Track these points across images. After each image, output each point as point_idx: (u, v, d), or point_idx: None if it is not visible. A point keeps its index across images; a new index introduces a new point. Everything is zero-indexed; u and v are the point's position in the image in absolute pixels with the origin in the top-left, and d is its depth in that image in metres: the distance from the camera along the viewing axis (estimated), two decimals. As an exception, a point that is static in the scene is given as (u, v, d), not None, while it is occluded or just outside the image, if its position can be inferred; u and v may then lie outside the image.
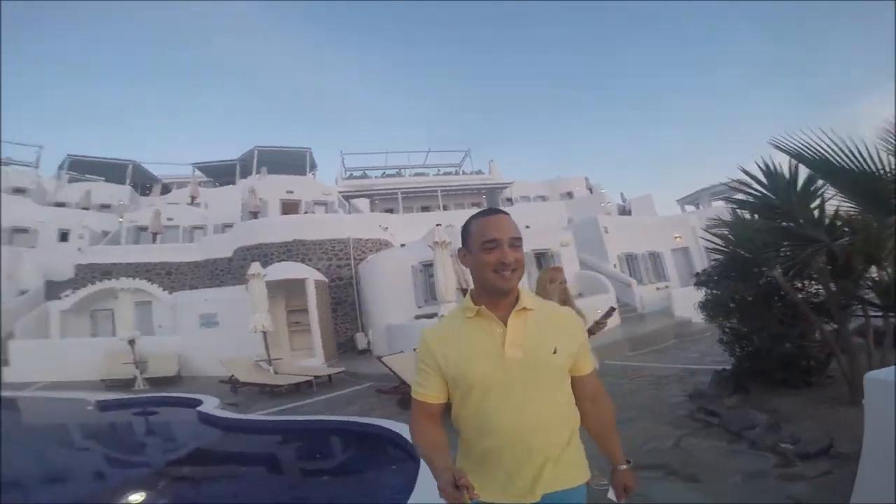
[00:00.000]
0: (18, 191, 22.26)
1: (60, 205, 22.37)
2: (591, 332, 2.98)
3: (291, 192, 21.22)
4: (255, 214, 18.89)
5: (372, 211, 24.30)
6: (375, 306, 13.69)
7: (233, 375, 8.56)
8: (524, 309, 1.16)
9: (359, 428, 4.77)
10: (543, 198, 29.65)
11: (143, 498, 3.77)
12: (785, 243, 3.79)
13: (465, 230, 1.22)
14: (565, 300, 2.99)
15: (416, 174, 32.01)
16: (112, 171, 27.71)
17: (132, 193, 26.06)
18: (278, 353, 11.27)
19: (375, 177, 31.00)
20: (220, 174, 28.66)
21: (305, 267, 13.91)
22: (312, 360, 11.41)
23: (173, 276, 16.74)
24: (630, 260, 15.72)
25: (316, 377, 8.39)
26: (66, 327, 12.97)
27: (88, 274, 15.90)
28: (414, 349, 7.21)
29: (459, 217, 22.45)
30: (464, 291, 12.37)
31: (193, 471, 4.57)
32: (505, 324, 1.15)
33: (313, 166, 29.17)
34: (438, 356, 1.16)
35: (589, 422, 1.28)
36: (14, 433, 6.73)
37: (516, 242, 1.15)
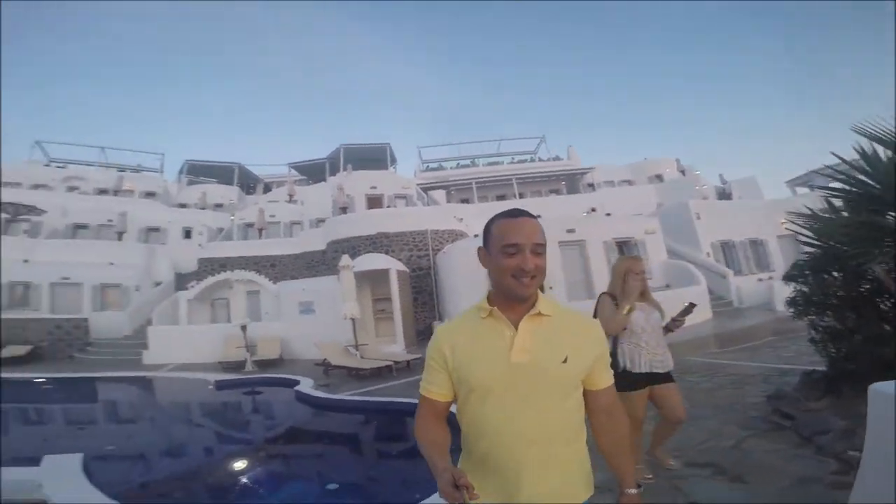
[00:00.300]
0: (149, 194, 26.06)
1: (182, 206, 25.80)
2: (667, 329, 2.89)
3: (375, 188, 22.45)
4: (343, 210, 20.36)
5: (448, 202, 24.86)
6: (451, 296, 14.15)
7: (325, 359, 9.47)
8: (539, 314, 1.13)
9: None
10: (629, 182, 28.03)
11: (242, 470, 4.24)
12: (887, 240, 3.39)
13: (487, 230, 1.18)
14: (644, 292, 2.84)
15: (490, 163, 31.98)
16: (222, 173, 31.35)
17: (240, 193, 29.19)
18: (365, 338, 12.13)
19: (451, 168, 31.51)
20: (313, 172, 31.03)
21: (389, 258, 14.74)
22: (394, 347, 12.13)
23: (277, 268, 18.68)
24: (727, 248, 14.46)
25: (396, 362, 9.00)
26: (192, 314, 14.90)
27: (208, 267, 18.33)
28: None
29: (536, 205, 22.13)
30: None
31: (287, 447, 5.17)
32: (516, 327, 1.12)
33: (393, 160, 30.44)
34: (447, 354, 1.15)
35: (601, 437, 1.23)
36: (148, 410, 8.04)
37: (539, 249, 1.11)
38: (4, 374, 9.75)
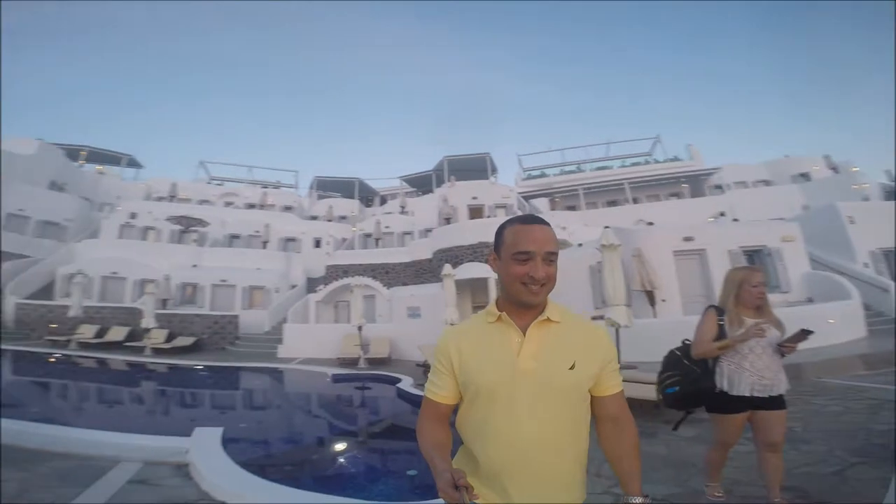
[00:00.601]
0: (287, 208, 29.99)
1: (314, 218, 29.10)
2: (781, 352, 2.49)
3: (475, 198, 22.93)
4: (447, 220, 21.25)
5: (553, 209, 24.31)
6: (553, 306, 13.89)
7: (426, 360, 10.08)
8: (548, 320, 1.14)
9: None
10: (766, 182, 24.57)
11: (344, 457, 4.68)
12: None
13: (499, 234, 1.19)
14: (761, 307, 2.52)
15: (599, 168, 30.47)
16: (345, 187, 34.70)
17: (360, 206, 31.99)
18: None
19: (554, 175, 30.76)
20: (421, 184, 32.77)
21: (488, 267, 15.05)
22: (493, 354, 12.32)
23: (390, 275, 20.17)
24: (891, 258, 11.94)
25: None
26: (319, 314, 16.80)
27: (334, 272, 20.52)
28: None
29: (653, 210, 20.57)
30: (647, 294, 11.53)
31: (383, 440, 5.64)
32: (524, 333, 1.13)
33: (494, 170, 30.67)
34: (453, 357, 1.16)
35: (607, 444, 1.21)
36: (276, 397, 9.16)
37: (551, 257, 1.10)
38: (175, 361, 12.13)
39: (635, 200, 24.81)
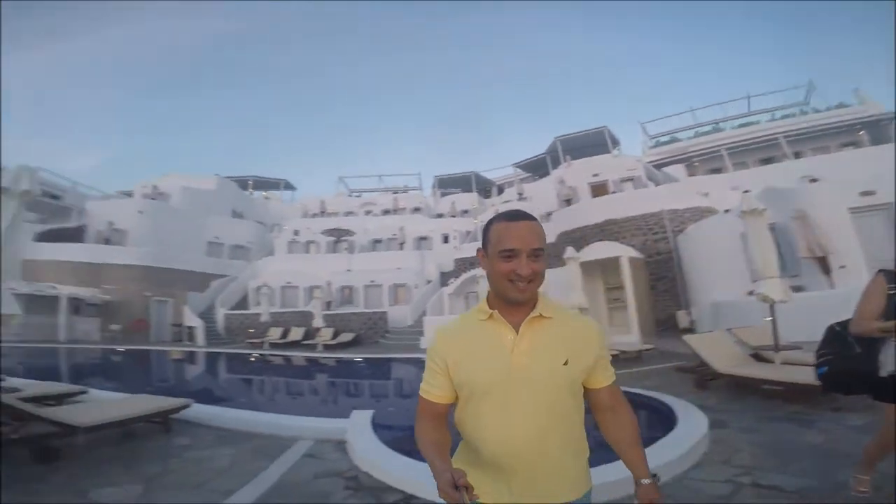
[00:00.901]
0: (416, 210, 32.14)
1: (439, 216, 30.78)
2: None
3: (597, 175, 21.72)
4: (567, 202, 20.59)
5: (691, 175, 21.81)
6: (699, 281, 12.66)
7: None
8: (540, 317, 1.13)
9: (632, 399, 5.24)
10: None
11: None
12: None
13: (486, 231, 1.18)
14: None
15: (742, 125, 26.21)
16: (463, 182, 35.76)
17: (479, 198, 32.75)
18: (598, 329, 12.25)
19: (688, 139, 27.36)
20: (536, 168, 32.05)
21: (619, 245, 14.28)
22: (628, 337, 11.77)
23: (515, 262, 20.50)
24: None
25: (622, 352, 8.90)
26: (452, 306, 17.82)
27: (462, 265, 21.59)
28: (729, 329, 6.68)
29: (823, 164, 17.19)
30: (819, 261, 9.78)
31: None
32: (517, 330, 1.13)
33: (615, 143, 28.48)
34: (446, 356, 1.16)
35: (608, 433, 1.24)
36: (418, 385, 10.20)
37: (537, 253, 1.09)
38: (340, 355, 14.15)
39: (797, 154, 20.88)
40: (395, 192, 36.32)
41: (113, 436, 4.27)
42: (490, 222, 1.17)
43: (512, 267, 1.08)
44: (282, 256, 25.48)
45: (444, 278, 21.79)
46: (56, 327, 17.84)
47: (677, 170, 23.25)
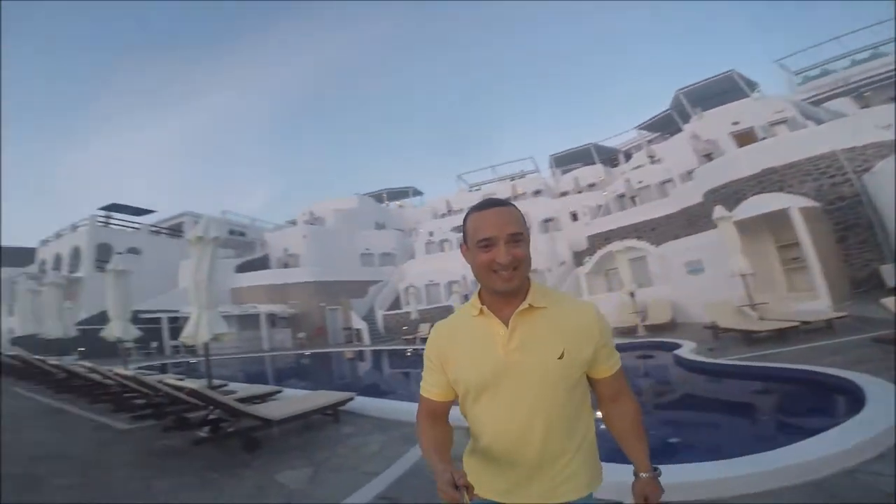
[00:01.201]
0: (537, 192, 31.42)
1: (563, 194, 29.64)
2: None
3: (737, 122, 18.49)
4: (707, 157, 17.99)
5: (863, 107, 17.19)
6: (905, 224, 9.99)
7: (714, 321, 8.99)
8: (530, 307, 1.09)
9: (811, 377, 4.46)
10: None
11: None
12: None
13: (464, 224, 1.13)
14: None
15: None
16: (582, 156, 33.69)
17: (605, 169, 30.61)
18: (769, 296, 10.52)
19: (843, 69, 21.77)
20: (662, 127, 28.71)
21: (784, 195, 12.10)
22: (815, 303, 9.83)
23: (657, 231, 18.69)
24: None
25: (805, 322, 7.50)
26: (591, 286, 17.05)
27: (597, 241, 20.52)
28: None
29: None
30: None
31: (653, 409, 5.61)
32: (507, 324, 1.09)
33: (752, 85, 23.77)
34: (440, 354, 1.14)
35: (610, 423, 1.20)
36: None
37: (516, 238, 1.05)
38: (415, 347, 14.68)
39: None
40: (513, 179, 35.98)
41: (296, 427, 4.99)
42: (466, 216, 1.14)
43: (491, 256, 1.05)
44: (421, 258, 27.55)
45: (579, 258, 20.94)
46: (260, 339, 22.08)
47: (844, 103, 18.59)
